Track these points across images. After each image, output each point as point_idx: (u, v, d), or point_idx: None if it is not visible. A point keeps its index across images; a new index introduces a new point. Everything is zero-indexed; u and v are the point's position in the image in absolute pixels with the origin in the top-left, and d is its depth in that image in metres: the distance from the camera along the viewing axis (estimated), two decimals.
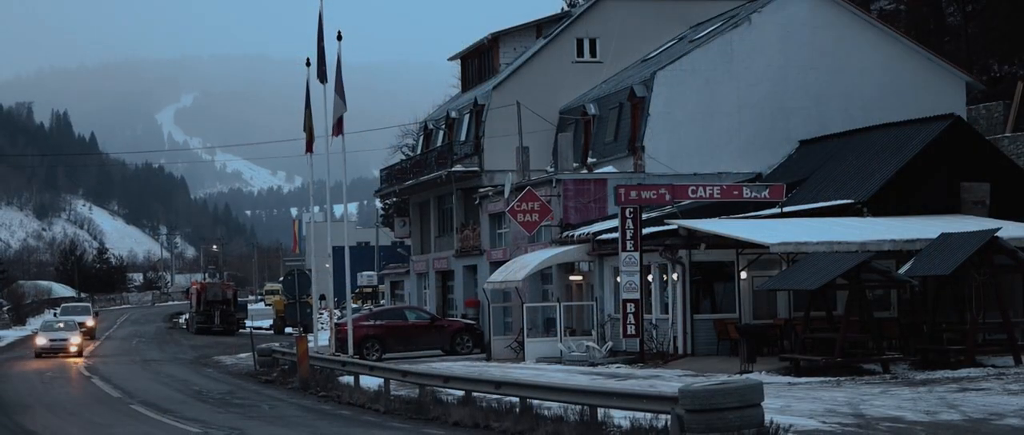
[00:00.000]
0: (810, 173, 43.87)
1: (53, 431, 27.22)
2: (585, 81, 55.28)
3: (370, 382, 32.55)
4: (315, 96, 43.14)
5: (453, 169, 56.47)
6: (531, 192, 45.40)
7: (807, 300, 33.84)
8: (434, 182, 58.62)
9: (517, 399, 24.99)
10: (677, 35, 54.66)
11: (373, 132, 75.34)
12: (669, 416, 19.90)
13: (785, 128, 47.53)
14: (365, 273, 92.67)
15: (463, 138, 58.15)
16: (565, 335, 42.01)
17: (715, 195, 39.55)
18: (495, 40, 60.12)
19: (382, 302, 76.52)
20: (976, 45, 62.00)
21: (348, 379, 34.17)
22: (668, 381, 30.62)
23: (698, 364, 35.70)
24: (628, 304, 38.20)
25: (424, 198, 63.49)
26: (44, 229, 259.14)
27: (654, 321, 39.36)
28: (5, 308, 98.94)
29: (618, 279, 39.96)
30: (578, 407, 23.07)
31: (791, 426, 20.73)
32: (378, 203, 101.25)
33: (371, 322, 49.94)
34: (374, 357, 45.77)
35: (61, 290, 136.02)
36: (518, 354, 43.09)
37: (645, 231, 38.47)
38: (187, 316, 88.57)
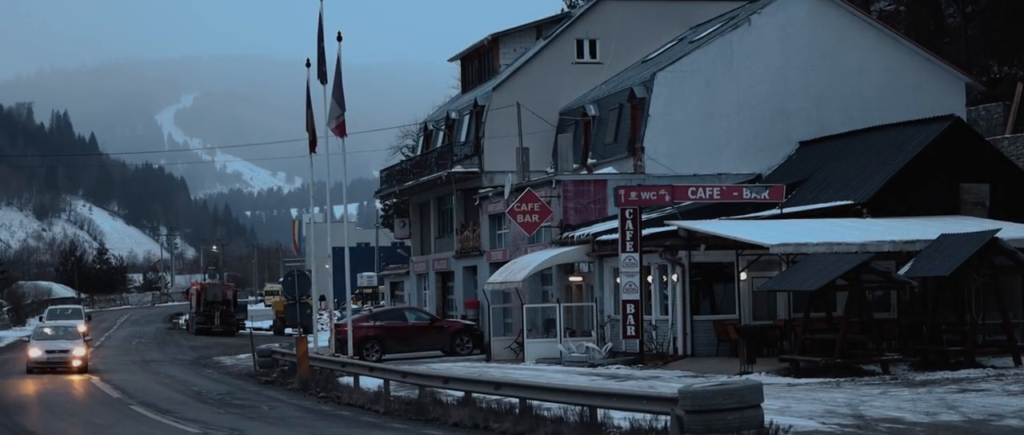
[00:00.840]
0: (810, 174, 43.88)
1: (53, 431, 27.23)
2: (585, 82, 55.29)
3: (370, 383, 32.57)
4: (316, 97, 43.21)
5: (453, 170, 56.48)
6: (531, 193, 45.42)
7: (807, 301, 33.85)
8: (434, 183, 58.63)
9: (517, 400, 25.00)
10: (677, 36, 54.68)
11: (373, 133, 75.35)
12: (669, 417, 19.91)
13: (785, 129, 47.55)
14: (365, 274, 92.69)
15: (463, 139, 58.16)
16: (565, 336, 42.02)
17: (715, 196, 39.56)
18: (495, 41, 60.13)
19: (382, 303, 76.53)
20: (976, 46, 62.01)
21: (348, 380, 34.19)
22: (668, 382, 30.63)
23: (698, 365, 35.71)
24: (628, 305, 38.21)
25: (424, 199, 63.50)
26: (44, 229, 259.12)
27: (654, 322, 39.37)
28: (5, 309, 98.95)
29: (618, 280, 39.97)
30: (578, 408, 23.08)
31: (791, 427, 20.74)
32: (378, 204, 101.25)
33: (371, 323, 49.96)
34: (374, 358, 45.79)
35: (61, 291, 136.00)
36: (518, 355, 43.09)
37: (645, 232, 38.48)
38: (187, 317, 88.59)
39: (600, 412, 22.50)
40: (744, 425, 19.03)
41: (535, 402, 24.66)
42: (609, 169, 48.61)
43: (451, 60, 67.40)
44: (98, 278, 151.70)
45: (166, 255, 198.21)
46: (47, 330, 48.82)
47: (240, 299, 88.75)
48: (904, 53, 49.07)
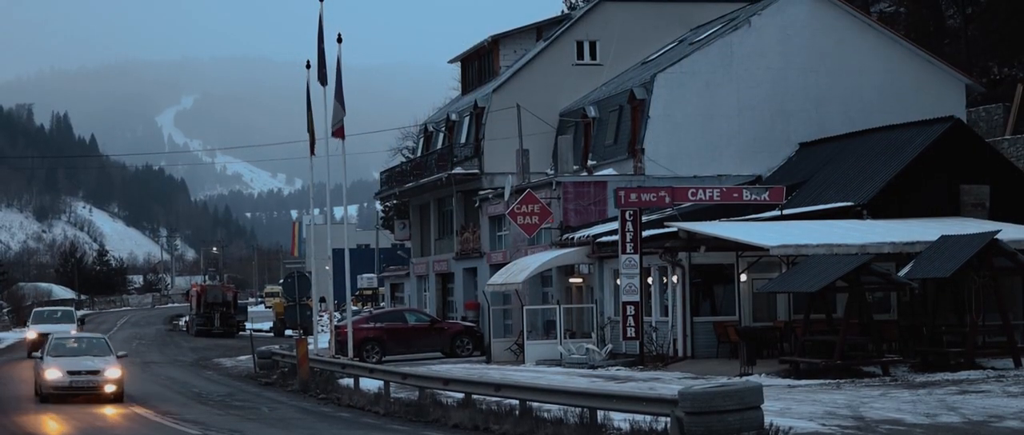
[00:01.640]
0: (810, 175, 43.88)
1: (53, 432, 27.22)
2: (585, 84, 55.29)
3: (370, 384, 32.57)
4: (316, 99, 43.22)
5: (453, 171, 56.47)
6: (531, 194, 45.42)
7: (807, 302, 33.84)
8: (434, 184, 58.62)
9: (517, 401, 25.01)
10: (677, 38, 54.68)
11: (373, 134, 75.33)
12: (669, 418, 19.91)
13: (785, 130, 47.55)
14: (365, 275, 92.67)
15: (463, 140, 58.16)
16: (565, 337, 42.02)
17: (715, 197, 39.55)
18: (495, 43, 60.14)
19: (382, 304, 76.53)
20: (976, 48, 62.02)
21: (348, 381, 34.19)
22: (668, 383, 30.63)
23: (698, 366, 35.71)
24: (628, 306, 38.20)
25: (424, 200, 63.50)
26: (44, 231, 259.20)
27: (654, 323, 39.37)
28: (5, 310, 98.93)
29: (618, 281, 39.96)
30: (578, 409, 23.09)
31: (791, 429, 20.74)
32: (378, 205, 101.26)
33: (371, 324, 49.96)
34: (374, 359, 45.80)
35: (61, 292, 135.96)
36: (518, 356, 43.09)
37: (645, 233, 38.47)
38: (187, 318, 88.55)
39: (600, 414, 22.50)
40: (744, 427, 19.03)
41: (535, 404, 24.67)
42: (609, 171, 48.62)
43: (451, 62, 67.41)
44: (98, 280, 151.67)
45: (166, 256, 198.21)
46: (71, 342, 35.22)
47: (240, 301, 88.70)
48: (904, 54, 49.07)
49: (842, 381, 30.62)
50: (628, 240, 38.07)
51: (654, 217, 41.32)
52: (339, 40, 41.46)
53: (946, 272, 32.50)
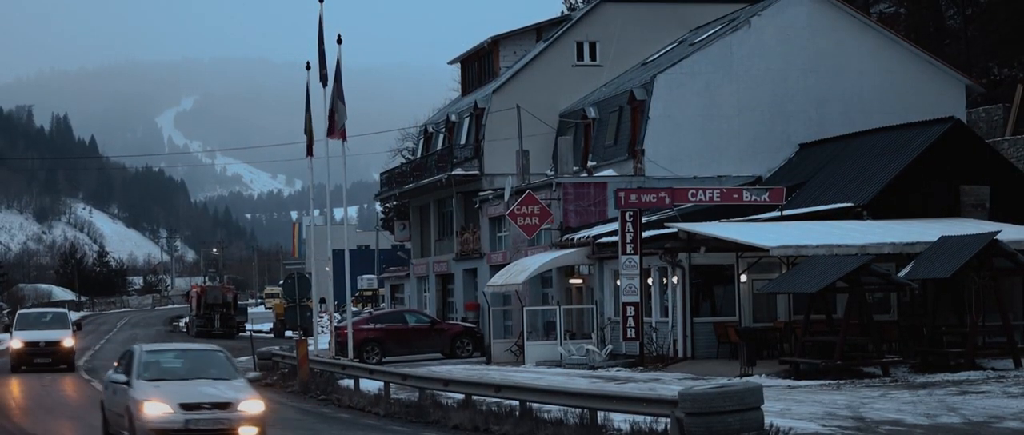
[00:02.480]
0: (810, 176, 43.88)
1: (50, 433, 27.21)
2: (585, 84, 55.30)
3: (370, 385, 32.56)
4: (315, 99, 43.19)
5: (453, 172, 56.47)
6: (531, 195, 45.42)
7: (807, 303, 33.84)
8: (434, 185, 58.63)
9: (517, 402, 25.00)
10: (677, 38, 54.69)
11: (373, 135, 75.31)
12: (669, 419, 19.91)
13: (785, 131, 47.55)
14: (365, 276, 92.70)
15: (463, 141, 58.16)
16: (565, 338, 42.02)
17: (715, 198, 39.55)
18: (495, 44, 60.14)
19: (382, 305, 76.52)
20: (976, 48, 62.02)
21: (348, 382, 34.18)
22: (668, 384, 30.63)
23: (698, 367, 35.71)
24: (628, 307, 38.20)
25: (424, 201, 63.51)
26: (44, 232, 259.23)
27: (654, 324, 39.37)
28: (5, 311, 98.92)
29: (618, 282, 39.96)
30: (578, 410, 23.08)
31: (791, 429, 20.74)
32: (378, 206, 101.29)
33: (371, 325, 49.95)
34: (374, 360, 45.80)
35: (61, 293, 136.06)
36: (518, 357, 43.09)
37: (645, 234, 38.47)
38: (187, 319, 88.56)
39: (600, 414, 22.50)
40: (744, 427, 19.02)
41: (535, 405, 24.66)
42: (609, 171, 48.62)
43: (451, 62, 67.41)
44: (98, 281, 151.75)
45: (166, 258, 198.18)
46: (173, 358, 23.70)
47: (240, 302, 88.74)
48: (904, 55, 49.07)
49: (842, 382, 30.62)
50: (628, 241, 38.06)
51: (654, 218, 41.32)
52: (339, 41, 41.44)
53: (946, 273, 32.50)
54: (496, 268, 49.48)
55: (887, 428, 21.84)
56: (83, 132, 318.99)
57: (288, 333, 61.51)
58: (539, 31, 60.15)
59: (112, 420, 23.03)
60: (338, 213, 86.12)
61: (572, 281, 45.90)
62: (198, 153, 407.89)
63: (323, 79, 41.61)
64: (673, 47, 53.45)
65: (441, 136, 61.31)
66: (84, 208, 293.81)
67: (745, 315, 37.73)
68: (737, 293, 37.96)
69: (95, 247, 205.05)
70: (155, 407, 20.97)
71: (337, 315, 66.16)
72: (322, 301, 60.85)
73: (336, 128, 41.22)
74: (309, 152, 44.44)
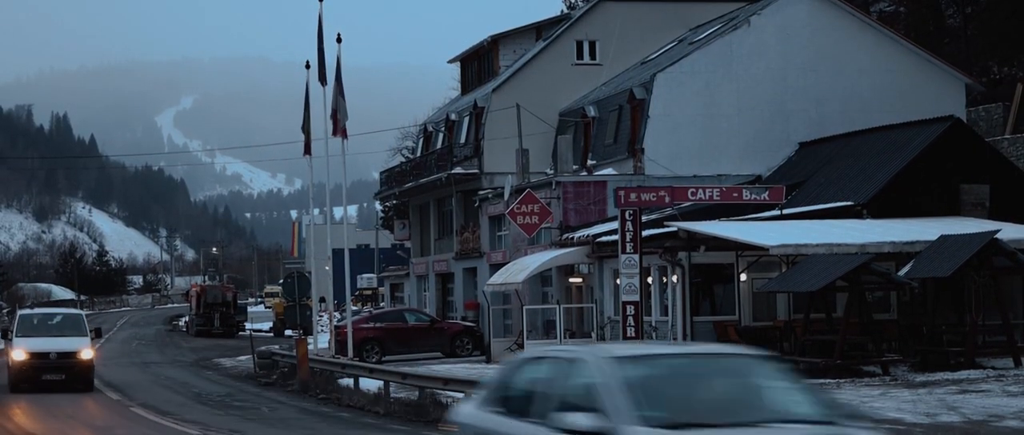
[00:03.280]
0: (810, 175, 43.88)
1: (53, 433, 27.22)
2: (585, 83, 55.28)
3: (370, 384, 32.57)
4: (315, 99, 43.19)
5: (453, 171, 56.46)
6: (531, 194, 45.41)
7: (807, 302, 33.85)
8: (434, 184, 58.62)
9: None
10: (676, 37, 54.68)
11: (372, 134, 75.28)
12: None
13: (785, 130, 47.55)
14: (365, 275, 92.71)
15: (463, 140, 58.15)
16: (565, 337, 42.01)
17: (715, 197, 39.54)
18: (495, 43, 60.13)
19: (382, 304, 76.53)
20: (976, 47, 62.01)
21: (348, 381, 34.19)
22: None
23: None
24: (628, 306, 38.17)
25: (424, 200, 63.50)
26: (44, 231, 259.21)
27: (654, 323, 39.36)
28: (5, 311, 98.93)
29: (618, 281, 39.96)
30: None
31: None
32: (378, 205, 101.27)
33: (371, 324, 49.97)
34: (374, 359, 45.77)
35: (61, 292, 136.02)
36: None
37: (645, 233, 38.45)
38: (187, 318, 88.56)
39: None
40: None
41: None
42: (609, 170, 48.61)
43: (451, 62, 67.39)
44: (98, 280, 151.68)
45: (166, 257, 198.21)
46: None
47: (240, 301, 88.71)
48: (904, 54, 49.07)
49: (842, 381, 30.62)
50: (628, 240, 38.03)
51: (654, 217, 41.30)
52: (338, 40, 41.47)
53: (946, 272, 32.50)
54: (496, 267, 49.47)
55: (887, 427, 21.83)
56: (83, 131, 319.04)
57: (288, 332, 61.47)
58: (539, 30, 60.14)
59: None
60: (338, 212, 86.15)
61: (572, 280, 45.89)
62: (198, 152, 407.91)
63: (322, 78, 41.61)
64: (673, 46, 53.44)
65: (441, 135, 61.30)
66: (84, 207, 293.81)
67: (745, 314, 37.73)
68: (737, 292, 37.96)
69: (95, 246, 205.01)
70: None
71: (337, 314, 66.16)
72: (322, 300, 60.85)
73: (338, 127, 41.21)
74: (307, 151, 44.43)
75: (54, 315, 40.03)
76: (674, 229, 38.36)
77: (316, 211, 60.09)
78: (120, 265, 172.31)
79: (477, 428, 13.03)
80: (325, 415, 29.40)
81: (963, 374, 30.97)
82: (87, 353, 36.28)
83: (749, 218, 39.07)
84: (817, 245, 34.41)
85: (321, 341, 48.11)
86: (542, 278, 46.94)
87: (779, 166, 46.89)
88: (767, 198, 39.62)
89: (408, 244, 69.44)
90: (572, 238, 44.62)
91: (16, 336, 36.54)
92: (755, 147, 47.24)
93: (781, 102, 47.74)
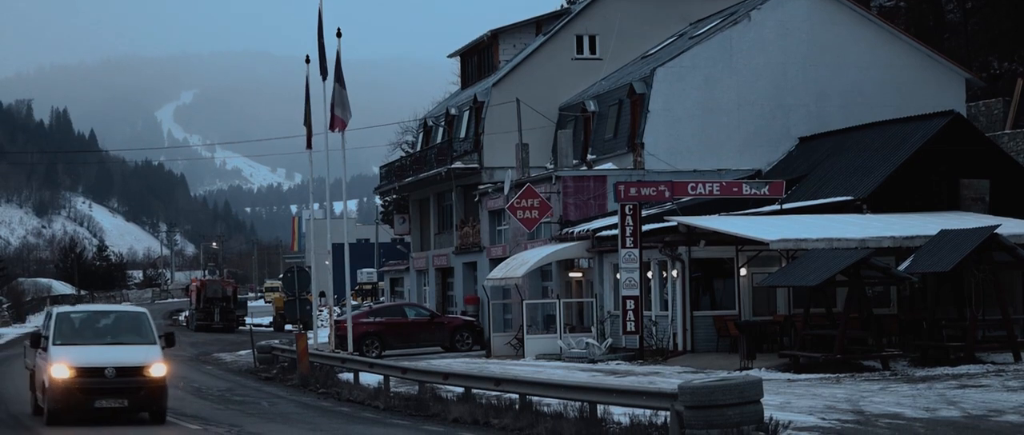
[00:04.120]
0: (810, 170, 43.88)
1: (54, 428, 27.17)
2: (585, 78, 55.28)
3: (370, 379, 32.56)
4: (315, 93, 43.15)
5: (453, 166, 56.46)
6: (531, 189, 45.41)
7: (807, 297, 33.85)
8: (434, 179, 58.63)
9: (517, 396, 25.00)
10: (677, 32, 54.66)
11: (373, 129, 75.34)
12: (669, 413, 19.90)
13: (785, 125, 47.56)
14: (365, 270, 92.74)
15: (463, 135, 58.14)
16: (565, 332, 42.03)
17: (715, 192, 39.56)
18: (495, 37, 60.11)
19: (382, 299, 76.57)
20: (976, 42, 62.01)
21: (348, 376, 34.19)
22: (668, 378, 30.63)
23: (698, 361, 35.71)
24: (628, 301, 38.21)
25: (424, 195, 63.50)
26: (44, 226, 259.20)
27: (654, 318, 39.37)
28: (5, 306, 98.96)
29: (618, 276, 39.97)
30: (578, 404, 23.08)
31: (790, 422, 20.74)
32: (378, 200, 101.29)
33: (371, 319, 49.96)
34: (374, 354, 45.79)
35: (61, 288, 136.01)
36: (518, 351, 43.11)
37: (645, 228, 38.48)
38: (187, 313, 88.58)
39: (600, 408, 22.49)
40: (744, 421, 19.02)
41: (535, 398, 24.66)
42: (609, 165, 48.62)
43: (451, 56, 67.37)
44: (98, 275, 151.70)
45: (166, 252, 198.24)
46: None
47: (240, 295, 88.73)
48: (904, 49, 49.05)
49: (842, 375, 30.62)
50: (628, 234, 38.06)
51: (654, 211, 41.32)
52: (339, 34, 41.41)
53: (946, 266, 32.49)
54: (496, 261, 49.48)
55: (887, 421, 21.84)
56: (83, 126, 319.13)
57: (288, 327, 61.50)
58: (539, 24, 60.13)
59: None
60: (338, 207, 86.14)
61: (572, 274, 45.90)
62: (198, 147, 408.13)
63: (323, 73, 41.58)
64: (673, 40, 53.42)
65: (441, 129, 61.30)
66: (84, 202, 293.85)
67: (745, 308, 37.73)
68: (737, 286, 37.96)
69: (95, 241, 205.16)
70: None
71: (337, 309, 66.18)
72: (322, 295, 60.89)
73: (335, 121, 41.18)
74: (309, 145, 44.43)
75: (105, 314, 28.68)
76: (674, 224, 38.37)
77: (316, 206, 60.05)
78: (120, 260, 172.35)
79: None
80: (325, 410, 29.40)
81: (963, 369, 30.97)
82: (159, 368, 25.43)
83: (749, 213, 39.09)
84: (817, 240, 34.41)
85: (321, 336, 48.10)
86: (542, 272, 46.95)
87: (779, 161, 46.90)
88: (767, 193, 39.63)
89: (408, 238, 69.44)
90: (572, 233, 44.62)
91: (54, 343, 25.76)
92: (755, 142, 47.25)
93: (781, 97, 47.74)
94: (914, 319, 35.37)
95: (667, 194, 39.26)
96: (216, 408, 30.19)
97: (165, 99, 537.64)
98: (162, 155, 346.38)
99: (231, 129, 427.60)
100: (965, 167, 40.15)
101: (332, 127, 41.28)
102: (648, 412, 21.39)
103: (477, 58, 62.50)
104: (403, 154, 74.55)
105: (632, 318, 38.19)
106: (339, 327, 44.80)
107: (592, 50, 56.15)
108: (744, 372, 30.95)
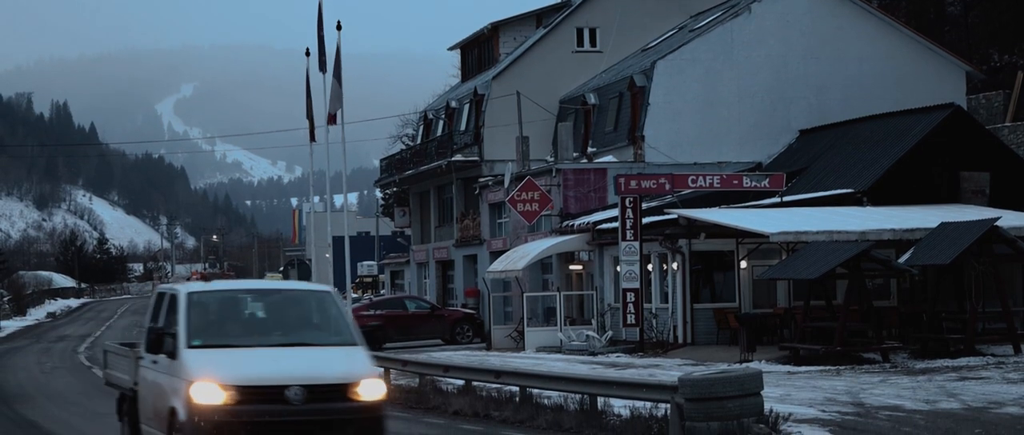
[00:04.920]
0: (810, 162, 43.88)
1: (54, 421, 27.21)
2: (585, 71, 55.27)
3: None
4: (315, 86, 43.15)
5: (453, 159, 56.47)
6: (531, 182, 45.42)
7: (807, 289, 33.84)
8: (434, 172, 58.63)
9: (517, 388, 25.01)
10: (677, 24, 54.65)
11: (373, 122, 75.29)
12: (669, 405, 19.91)
13: (785, 117, 47.55)
14: (365, 263, 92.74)
15: (463, 128, 58.15)
16: (565, 324, 42.04)
17: (715, 184, 39.57)
18: (495, 30, 60.10)
19: (382, 292, 76.57)
20: (976, 35, 61.99)
21: None
22: (668, 370, 30.64)
23: (698, 353, 35.73)
24: (628, 293, 38.23)
25: (424, 188, 63.51)
26: (44, 219, 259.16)
27: (654, 310, 39.39)
28: (6, 298, 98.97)
29: (618, 268, 39.98)
30: (578, 396, 23.08)
31: (791, 415, 20.75)
32: (378, 193, 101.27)
33: (371, 312, 49.96)
34: (374, 347, 45.78)
35: (61, 281, 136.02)
36: (518, 343, 43.12)
37: (645, 220, 38.49)
38: None
39: (600, 400, 22.50)
40: (744, 413, 19.02)
41: (535, 390, 24.66)
42: (609, 158, 48.62)
43: (451, 49, 67.36)
44: (98, 268, 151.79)
45: (166, 245, 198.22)
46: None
47: None
48: (904, 41, 49.05)
49: (842, 368, 30.64)
50: (628, 227, 38.08)
51: (654, 204, 41.32)
52: (339, 27, 41.39)
53: (946, 259, 32.51)
54: (496, 254, 49.50)
55: (887, 414, 21.86)
56: (83, 119, 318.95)
57: None
58: (539, 17, 60.10)
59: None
60: (338, 200, 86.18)
61: (572, 267, 45.91)
62: (198, 140, 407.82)
63: (323, 66, 41.57)
64: (673, 33, 53.42)
65: (441, 122, 61.29)
66: (84, 195, 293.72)
67: (745, 301, 37.75)
68: (737, 279, 37.98)
69: (95, 234, 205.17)
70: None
71: None
72: None
73: (332, 109, 41.21)
74: (312, 138, 44.44)
75: (266, 294, 18.22)
76: (674, 216, 38.37)
77: (316, 199, 60.11)
78: (120, 253, 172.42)
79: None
80: None
81: (963, 361, 30.99)
82: (373, 387, 15.85)
83: (749, 205, 39.09)
84: (817, 232, 34.41)
85: None
86: (542, 265, 46.97)
87: (779, 153, 46.90)
88: (767, 185, 39.63)
89: (408, 231, 69.48)
90: (572, 225, 44.64)
91: (192, 345, 16.15)
92: (755, 134, 47.25)
93: (781, 89, 47.74)
94: (914, 312, 35.39)
95: (667, 187, 39.27)
96: None
97: (165, 92, 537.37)
98: (162, 148, 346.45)
99: (231, 122, 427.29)
100: (965, 160, 40.15)
101: (330, 121, 41.31)
102: (648, 404, 21.40)
103: (477, 51, 62.49)
104: (403, 147, 74.57)
105: (632, 311, 38.21)
106: None
107: (592, 43, 56.14)
108: (744, 365, 30.97)
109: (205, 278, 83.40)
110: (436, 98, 71.64)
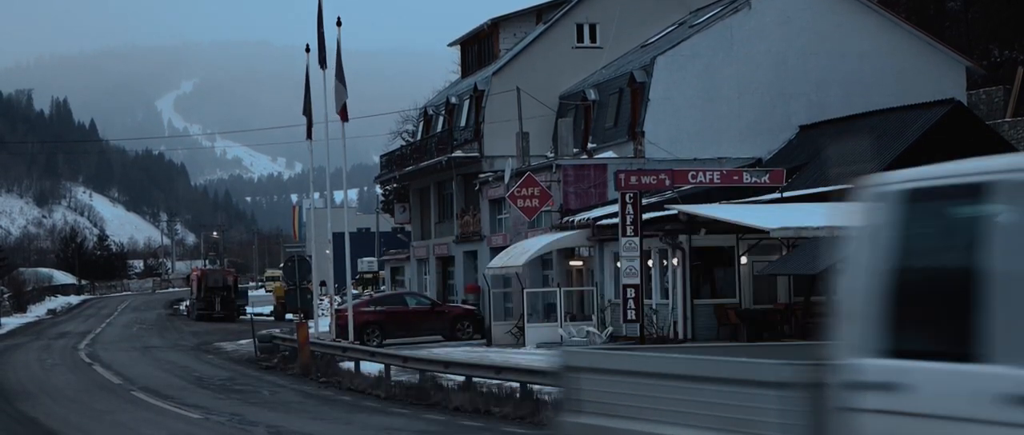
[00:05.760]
0: (810, 158, 43.88)
1: (55, 418, 27.22)
2: (585, 66, 55.24)
3: (371, 368, 32.60)
4: (315, 83, 43.18)
5: (453, 155, 56.47)
6: (531, 178, 45.42)
7: (807, 285, 33.86)
8: (434, 168, 58.63)
9: (518, 384, 25.02)
10: (677, 20, 54.62)
11: (373, 118, 75.27)
12: None
13: (785, 113, 47.53)
14: (365, 259, 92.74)
15: (463, 124, 58.14)
16: (565, 320, 42.05)
17: (715, 180, 39.56)
18: (495, 26, 60.08)
19: (382, 288, 76.58)
20: (976, 30, 61.97)
21: (349, 365, 34.22)
22: None
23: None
24: (628, 289, 38.21)
25: (424, 184, 63.51)
26: (44, 216, 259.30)
27: (654, 306, 39.40)
28: (6, 295, 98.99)
29: (618, 264, 39.98)
30: None
31: None
32: (378, 189, 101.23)
33: (371, 308, 49.99)
34: (375, 343, 45.80)
35: (62, 277, 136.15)
36: (518, 339, 43.13)
37: (645, 216, 38.47)
38: (188, 303, 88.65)
39: None
40: None
41: (536, 386, 24.67)
42: (609, 153, 48.62)
43: (451, 45, 67.34)
44: (98, 265, 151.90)
45: (166, 241, 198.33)
46: None
47: (241, 285, 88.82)
48: (905, 37, 49.03)
49: None
50: (628, 223, 38.06)
51: (654, 200, 41.32)
52: (338, 24, 41.42)
53: None
54: (496, 250, 49.50)
55: None
56: (83, 116, 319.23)
57: (288, 316, 61.51)
58: (539, 13, 60.07)
59: None
60: (338, 196, 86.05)
61: (572, 263, 45.92)
62: (198, 136, 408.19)
63: (322, 62, 41.60)
64: (673, 29, 53.39)
65: (441, 119, 61.29)
66: (84, 192, 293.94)
67: (745, 297, 37.76)
68: (737, 275, 37.99)
69: (95, 231, 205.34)
70: None
71: (337, 298, 66.21)
72: (322, 284, 60.94)
73: (336, 109, 41.26)
74: (309, 135, 44.46)
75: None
76: (674, 212, 38.37)
77: (316, 195, 60.05)
78: (121, 249, 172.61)
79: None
80: (326, 398, 29.42)
81: None
82: None
83: (749, 201, 39.08)
84: (818, 228, 34.40)
85: (322, 325, 48.13)
86: (543, 261, 46.98)
87: (779, 149, 46.90)
88: (767, 181, 39.62)
89: (408, 228, 69.47)
90: (572, 221, 44.64)
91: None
92: (755, 130, 47.23)
93: (782, 85, 47.72)
94: None
95: (667, 183, 39.27)
96: (217, 397, 30.22)
97: (165, 88, 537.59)
98: (162, 145, 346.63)
99: (231, 119, 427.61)
100: (965, 156, 39.66)
101: (343, 117, 41.38)
102: None
103: (477, 47, 62.47)
104: (403, 143, 74.56)
105: (632, 306, 38.20)
106: (340, 316, 44.85)
107: (592, 39, 56.11)
108: None
109: (205, 275, 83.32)
110: (436, 94, 71.63)
